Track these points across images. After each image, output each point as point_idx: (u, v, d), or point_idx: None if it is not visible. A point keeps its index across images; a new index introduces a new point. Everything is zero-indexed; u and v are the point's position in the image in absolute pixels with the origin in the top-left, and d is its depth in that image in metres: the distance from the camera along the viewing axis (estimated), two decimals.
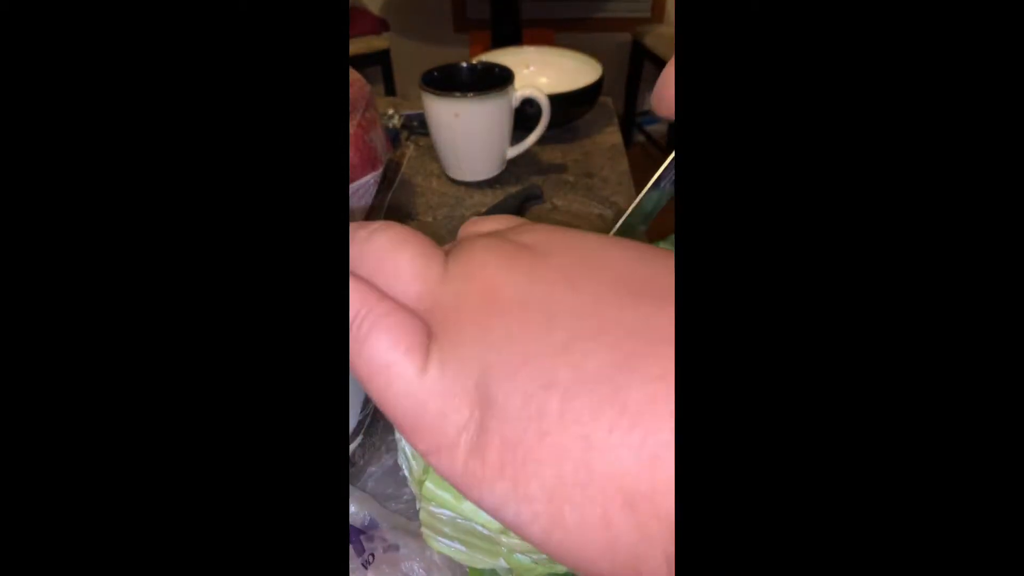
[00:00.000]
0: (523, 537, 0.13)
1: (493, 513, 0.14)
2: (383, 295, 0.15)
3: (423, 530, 0.24)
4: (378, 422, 0.39)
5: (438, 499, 0.22)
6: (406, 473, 0.25)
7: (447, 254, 0.16)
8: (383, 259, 0.16)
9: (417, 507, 0.24)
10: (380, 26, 2.04)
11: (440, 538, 0.23)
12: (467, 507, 0.22)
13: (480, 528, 0.22)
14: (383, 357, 0.14)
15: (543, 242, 0.16)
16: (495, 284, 0.15)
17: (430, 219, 0.59)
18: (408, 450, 0.24)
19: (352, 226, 0.17)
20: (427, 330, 0.15)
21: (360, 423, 0.38)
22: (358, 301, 0.15)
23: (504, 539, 0.22)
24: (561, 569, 0.22)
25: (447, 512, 0.22)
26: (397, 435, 0.24)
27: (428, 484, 0.22)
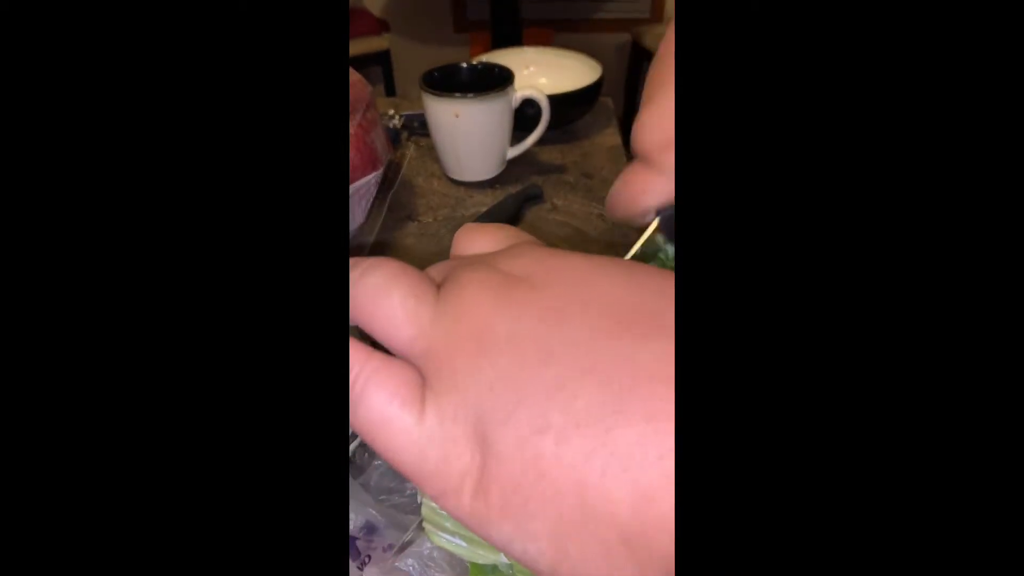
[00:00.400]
0: (533, 571, 0.14)
1: (502, 549, 0.14)
2: (372, 350, 0.16)
3: (425, 525, 0.24)
4: None
5: None
6: None
7: (440, 288, 0.16)
8: (377, 302, 0.16)
9: (419, 501, 0.24)
10: (380, 27, 2.04)
11: (441, 533, 0.24)
12: None
13: None
14: (381, 413, 0.15)
15: (535, 272, 0.16)
16: (487, 323, 0.15)
17: (430, 219, 0.59)
18: None
19: None
20: (420, 378, 0.15)
21: None
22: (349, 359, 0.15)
23: None
24: None
25: None
26: None
27: None
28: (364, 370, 0.15)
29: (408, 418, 0.15)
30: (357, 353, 0.16)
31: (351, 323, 0.17)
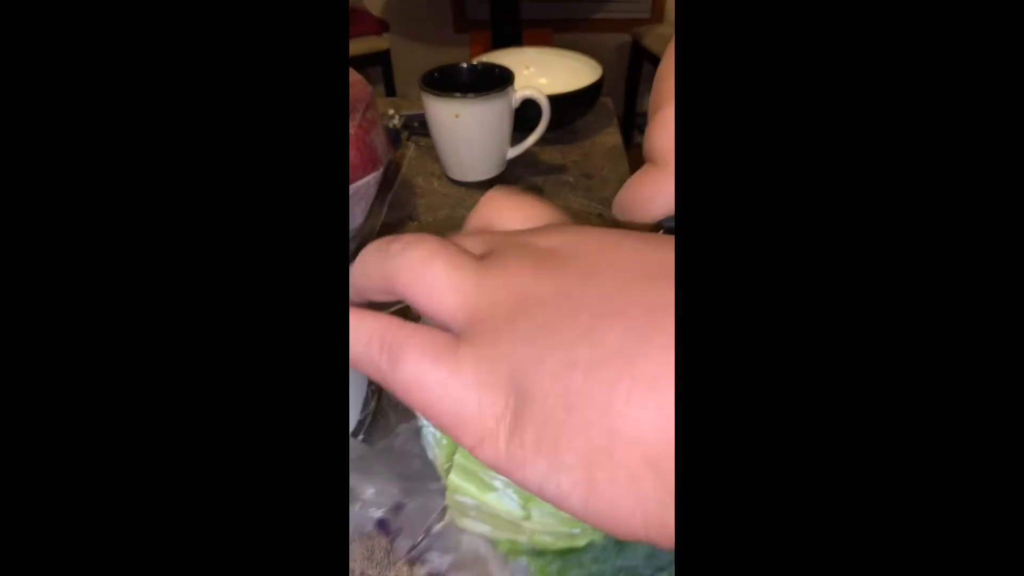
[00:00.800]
0: (566, 510, 0.14)
1: (538, 491, 0.15)
2: (402, 321, 0.17)
3: (450, 512, 0.25)
4: (377, 423, 0.39)
5: (462, 490, 0.23)
6: (431, 458, 0.26)
7: (480, 260, 0.17)
8: (418, 273, 0.17)
9: (443, 486, 0.25)
10: (380, 27, 2.04)
11: (466, 519, 0.25)
12: (490, 498, 0.23)
13: (504, 515, 0.23)
14: (417, 370, 0.16)
15: (566, 244, 0.17)
16: (525, 290, 0.16)
17: (430, 219, 0.59)
18: (430, 439, 0.25)
19: (385, 240, 0.18)
20: (452, 339, 0.16)
21: (360, 423, 0.38)
22: (380, 330, 0.16)
23: (527, 524, 0.23)
24: (580, 542, 0.23)
25: (471, 500, 0.23)
26: (421, 421, 0.25)
27: (452, 477, 0.23)
28: (398, 335, 0.16)
29: (443, 371, 0.15)
30: (388, 324, 0.17)
31: (391, 294, 0.18)
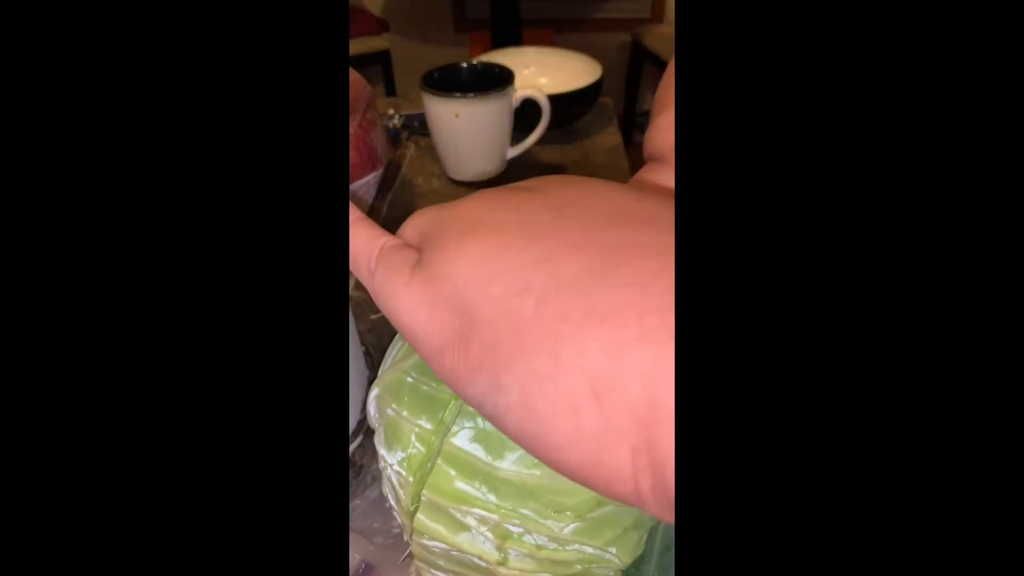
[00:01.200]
0: (504, 431, 0.14)
1: (477, 407, 0.15)
2: (396, 240, 0.18)
3: (416, 563, 0.23)
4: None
5: (431, 531, 0.21)
6: (393, 503, 0.23)
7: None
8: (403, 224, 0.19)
9: (405, 539, 0.23)
10: (380, 26, 2.04)
11: (434, 571, 0.23)
12: (462, 539, 0.21)
13: (476, 560, 0.21)
14: (383, 283, 0.17)
15: (543, 184, 0.17)
16: (479, 215, 0.16)
17: None
18: (394, 479, 0.22)
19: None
20: (417, 256, 0.17)
21: (360, 423, 0.38)
22: (379, 242, 0.18)
23: (502, 571, 0.21)
24: None
25: (440, 545, 0.21)
26: (382, 464, 0.23)
27: (420, 516, 0.21)
28: (385, 246, 0.18)
29: (399, 284, 0.16)
30: (387, 237, 0.18)
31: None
